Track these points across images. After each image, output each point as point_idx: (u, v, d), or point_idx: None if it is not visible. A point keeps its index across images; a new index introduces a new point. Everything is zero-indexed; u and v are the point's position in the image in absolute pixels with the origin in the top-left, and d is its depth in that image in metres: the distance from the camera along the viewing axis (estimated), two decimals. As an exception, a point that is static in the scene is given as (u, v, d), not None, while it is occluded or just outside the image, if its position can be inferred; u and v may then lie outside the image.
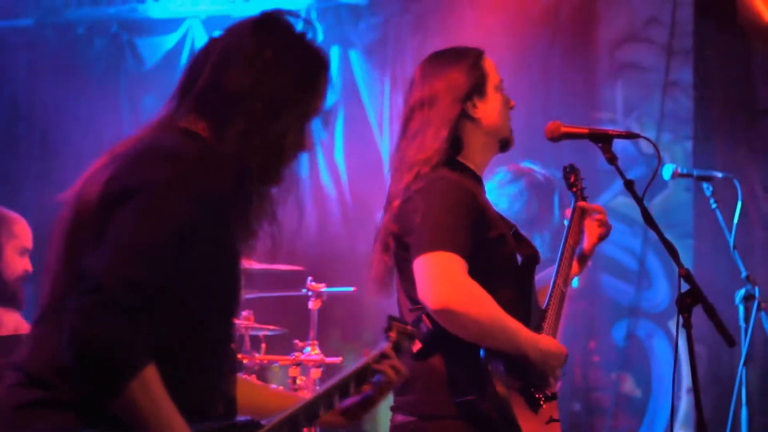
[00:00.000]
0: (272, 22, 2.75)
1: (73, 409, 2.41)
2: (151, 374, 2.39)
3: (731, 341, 3.51)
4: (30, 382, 2.47)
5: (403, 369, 2.97)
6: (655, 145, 3.93)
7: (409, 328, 3.06)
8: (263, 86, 2.65)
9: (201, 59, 2.72)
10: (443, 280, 3.46)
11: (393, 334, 3.01)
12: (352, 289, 5.82)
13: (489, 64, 3.83)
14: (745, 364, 5.57)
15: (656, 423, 6.87)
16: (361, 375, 2.90)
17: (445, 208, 3.58)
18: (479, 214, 3.60)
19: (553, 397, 3.67)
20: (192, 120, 2.66)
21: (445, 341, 3.52)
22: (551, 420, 3.67)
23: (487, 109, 3.76)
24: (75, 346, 2.34)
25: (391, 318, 3.05)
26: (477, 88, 3.76)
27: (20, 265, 5.36)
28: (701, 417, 3.43)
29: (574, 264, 3.99)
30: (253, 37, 2.70)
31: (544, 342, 3.59)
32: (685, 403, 6.63)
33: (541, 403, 3.60)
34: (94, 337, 2.33)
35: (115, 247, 2.41)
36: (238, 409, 2.74)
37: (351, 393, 2.88)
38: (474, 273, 3.54)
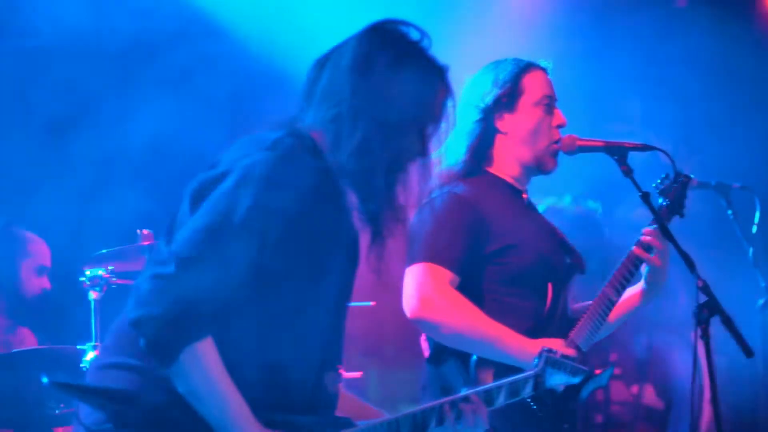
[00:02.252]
0: (385, 32, 2.74)
1: (141, 373, 2.51)
2: (206, 348, 2.44)
3: (749, 352, 3.52)
4: (115, 346, 2.60)
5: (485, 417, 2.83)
6: (671, 157, 3.95)
7: (566, 361, 2.96)
8: (377, 99, 2.66)
9: (319, 69, 2.75)
10: (421, 290, 3.56)
11: (541, 363, 2.92)
12: (371, 303, 5.84)
13: (533, 78, 3.83)
14: (765, 373, 5.55)
15: (678, 434, 6.84)
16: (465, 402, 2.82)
17: (439, 222, 3.66)
18: (479, 226, 3.65)
19: (567, 404, 3.68)
20: (310, 127, 2.69)
21: (449, 348, 3.59)
22: (563, 427, 3.68)
23: (517, 124, 3.79)
24: (133, 312, 2.43)
25: (545, 349, 2.95)
26: (505, 102, 3.79)
27: (37, 283, 5.40)
28: (720, 428, 3.44)
29: (636, 295, 4.00)
30: (365, 48, 2.70)
31: (539, 348, 3.60)
32: (707, 413, 6.60)
33: (544, 409, 3.63)
34: (149, 305, 2.41)
35: (193, 224, 2.49)
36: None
37: (449, 422, 2.79)
38: (480, 282, 3.63)
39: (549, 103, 3.85)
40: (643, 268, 3.95)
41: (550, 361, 2.92)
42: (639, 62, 7.08)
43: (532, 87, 3.83)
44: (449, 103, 2.77)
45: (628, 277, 3.88)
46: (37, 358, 4.95)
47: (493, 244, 3.68)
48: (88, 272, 5.06)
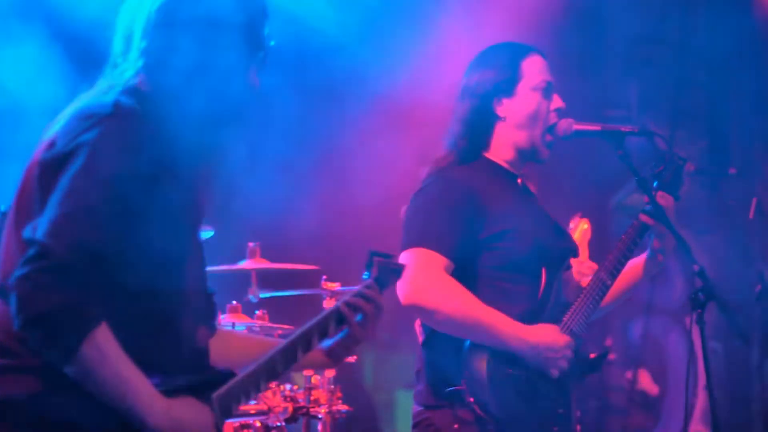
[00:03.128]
0: None
1: (36, 373, 2.41)
2: (103, 335, 2.37)
3: (745, 338, 3.52)
4: None
5: (382, 302, 2.88)
6: (668, 142, 3.94)
7: (393, 261, 2.97)
8: (198, 32, 2.60)
9: (133, 9, 2.66)
10: (416, 277, 3.56)
11: (374, 270, 2.91)
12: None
13: (532, 63, 3.84)
14: (761, 359, 5.56)
15: (672, 420, 6.85)
16: (340, 314, 2.83)
17: (433, 207, 3.67)
18: (474, 211, 3.65)
19: (562, 388, 3.68)
20: (134, 76, 2.62)
21: (443, 333, 3.60)
22: (558, 412, 3.68)
23: (516, 109, 3.80)
24: (21, 314, 2.33)
25: (372, 253, 2.94)
26: (505, 87, 3.79)
27: None
28: (715, 413, 3.44)
29: (639, 263, 3.97)
30: None
31: (534, 334, 3.61)
32: (702, 399, 6.61)
33: (538, 392, 3.63)
34: (39, 303, 2.32)
35: (55, 212, 2.39)
36: (222, 360, 2.74)
37: (331, 333, 2.82)
38: (474, 267, 3.64)
39: (547, 88, 3.85)
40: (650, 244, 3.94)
41: (382, 264, 2.91)
42: (636, 47, 7.07)
43: (531, 71, 3.84)
44: (267, 29, 2.72)
45: (622, 261, 3.86)
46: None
47: (488, 230, 3.68)
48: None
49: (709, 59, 6.90)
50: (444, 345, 3.64)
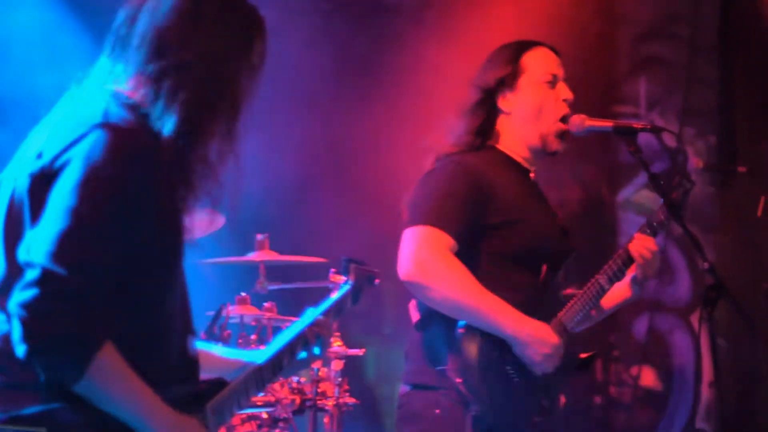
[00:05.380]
0: None
1: (34, 389, 2.36)
2: (109, 353, 2.35)
3: (755, 335, 3.52)
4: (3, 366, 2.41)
5: (330, 333, 2.94)
6: (679, 138, 3.94)
7: (368, 268, 3.03)
8: (205, 50, 2.53)
9: (134, 13, 2.57)
10: (417, 253, 3.57)
11: (351, 276, 3.00)
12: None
13: (535, 56, 3.86)
14: (766, 357, 5.56)
15: (677, 417, 6.86)
16: (306, 338, 2.87)
17: (443, 188, 3.68)
18: (482, 196, 3.67)
19: (549, 381, 3.69)
20: (128, 83, 2.54)
21: (438, 313, 3.60)
22: (541, 403, 3.69)
23: (518, 102, 3.81)
24: (26, 343, 2.28)
25: (346, 260, 3.02)
26: (507, 81, 3.81)
27: None
28: (723, 410, 3.45)
29: (625, 287, 3.95)
30: None
31: (529, 325, 3.62)
32: (706, 396, 6.62)
33: (526, 382, 3.63)
34: (43, 332, 2.28)
35: (53, 230, 2.32)
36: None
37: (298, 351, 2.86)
38: (476, 252, 3.65)
39: (552, 80, 3.86)
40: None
41: (359, 271, 3.00)
42: (645, 43, 7.08)
43: (533, 64, 3.85)
44: (265, 52, 2.66)
45: (623, 269, 3.85)
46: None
47: (495, 217, 3.69)
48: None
49: (718, 56, 6.90)
50: (438, 325, 3.65)
